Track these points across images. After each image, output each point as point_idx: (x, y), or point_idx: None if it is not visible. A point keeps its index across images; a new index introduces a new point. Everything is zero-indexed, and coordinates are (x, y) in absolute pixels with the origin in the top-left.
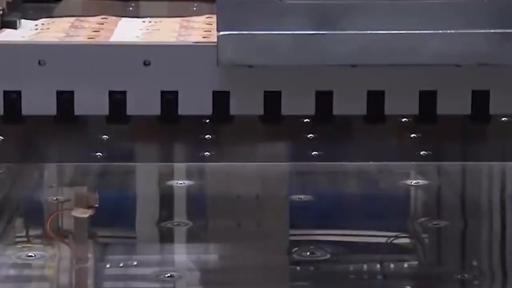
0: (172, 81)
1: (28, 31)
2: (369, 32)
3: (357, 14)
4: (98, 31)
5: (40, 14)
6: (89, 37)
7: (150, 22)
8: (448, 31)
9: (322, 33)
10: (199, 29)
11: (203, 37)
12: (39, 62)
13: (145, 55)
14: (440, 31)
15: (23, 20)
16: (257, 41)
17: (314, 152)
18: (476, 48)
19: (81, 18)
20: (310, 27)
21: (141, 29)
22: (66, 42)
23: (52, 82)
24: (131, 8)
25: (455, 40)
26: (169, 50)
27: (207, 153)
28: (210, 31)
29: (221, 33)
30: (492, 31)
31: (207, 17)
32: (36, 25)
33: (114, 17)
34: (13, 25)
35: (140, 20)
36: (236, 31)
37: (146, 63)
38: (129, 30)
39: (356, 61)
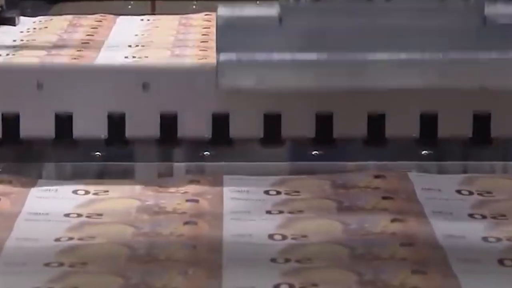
0: (171, 104)
1: (25, 28)
2: (370, 55)
3: (356, 38)
4: (96, 28)
5: (39, 12)
6: (88, 34)
7: (148, 20)
8: (450, 55)
9: (322, 57)
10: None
11: (202, 34)
12: (37, 85)
13: (144, 78)
14: (442, 55)
15: (21, 17)
16: (256, 64)
17: None
18: (478, 72)
19: (79, 16)
20: (309, 51)
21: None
22: (65, 64)
23: (51, 104)
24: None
25: (458, 64)
26: (168, 73)
27: None
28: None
29: (221, 56)
30: (494, 55)
31: (205, 14)
32: (34, 22)
33: (112, 15)
34: (11, 22)
35: (139, 18)
36: (236, 54)
37: (145, 86)
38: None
39: (355, 84)
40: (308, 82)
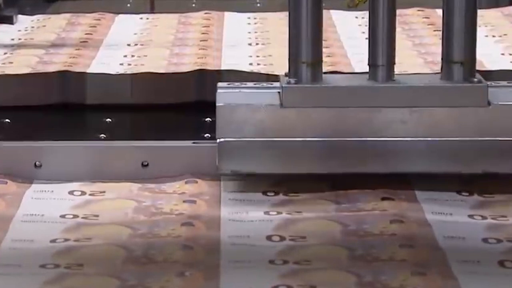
0: None
1: (24, 27)
2: (373, 139)
3: (358, 122)
4: (95, 27)
5: (37, 10)
6: (86, 32)
7: (147, 19)
8: (453, 139)
9: (324, 140)
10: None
11: (201, 33)
12: (35, 164)
13: (143, 156)
14: (444, 139)
15: (19, 16)
16: (256, 148)
17: None
18: (481, 156)
19: (78, 14)
20: (311, 134)
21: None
22: (63, 143)
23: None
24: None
25: (460, 147)
26: (167, 151)
27: None
28: (208, 26)
29: (221, 139)
30: (498, 139)
31: (205, 13)
32: (32, 20)
33: (110, 14)
34: (9, 20)
35: (138, 16)
36: (236, 137)
37: (144, 164)
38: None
39: (359, 169)
40: (309, 166)
